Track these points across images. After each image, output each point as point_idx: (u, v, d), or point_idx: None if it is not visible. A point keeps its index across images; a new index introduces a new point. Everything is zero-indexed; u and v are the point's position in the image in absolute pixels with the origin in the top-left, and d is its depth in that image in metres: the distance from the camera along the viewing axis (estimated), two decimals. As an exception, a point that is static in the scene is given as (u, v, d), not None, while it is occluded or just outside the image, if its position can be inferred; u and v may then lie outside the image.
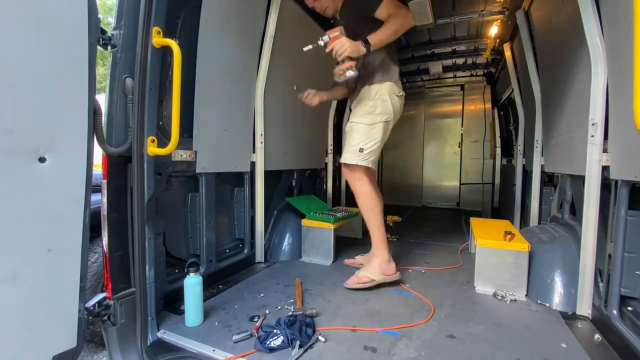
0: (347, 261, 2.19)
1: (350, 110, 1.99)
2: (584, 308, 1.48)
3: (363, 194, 1.82)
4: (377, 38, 1.65)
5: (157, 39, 1.30)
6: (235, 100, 1.95)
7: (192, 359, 1.23)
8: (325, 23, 2.37)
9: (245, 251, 2.14)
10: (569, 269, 1.59)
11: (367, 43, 1.63)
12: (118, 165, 1.28)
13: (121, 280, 1.29)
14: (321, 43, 1.64)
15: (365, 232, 2.00)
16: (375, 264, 1.80)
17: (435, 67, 4.34)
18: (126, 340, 1.28)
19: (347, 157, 1.80)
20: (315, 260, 2.29)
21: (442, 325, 1.42)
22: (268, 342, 1.23)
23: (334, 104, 3.34)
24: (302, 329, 1.29)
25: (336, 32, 1.63)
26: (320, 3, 1.87)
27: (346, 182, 3.80)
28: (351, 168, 1.82)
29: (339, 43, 1.59)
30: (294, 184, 2.78)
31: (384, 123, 1.79)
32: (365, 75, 1.82)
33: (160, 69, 1.40)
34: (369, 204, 1.83)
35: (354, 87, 1.91)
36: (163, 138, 1.41)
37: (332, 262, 2.25)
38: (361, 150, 1.77)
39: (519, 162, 3.14)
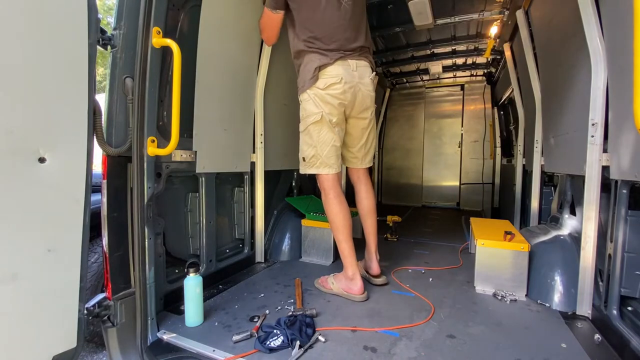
0: None
1: None
2: (584, 308, 1.48)
3: (324, 205, 1.78)
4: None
5: (157, 39, 1.30)
6: (235, 100, 1.95)
7: (192, 359, 1.23)
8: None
9: (245, 251, 2.14)
10: (569, 269, 1.59)
11: None
12: (118, 165, 1.28)
13: (121, 280, 1.29)
14: None
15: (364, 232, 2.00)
16: (341, 278, 1.74)
17: (435, 67, 4.34)
18: (126, 341, 1.28)
19: (299, 168, 1.81)
20: (315, 261, 2.29)
21: (442, 325, 1.42)
22: (268, 342, 1.23)
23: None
24: (302, 329, 1.29)
25: None
26: None
27: (346, 183, 3.80)
28: (316, 177, 1.79)
29: None
30: (294, 184, 2.78)
31: (313, 124, 1.68)
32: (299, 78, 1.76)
33: (160, 69, 1.40)
34: (329, 216, 1.76)
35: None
36: (163, 138, 1.41)
37: (332, 262, 2.25)
38: (303, 159, 1.76)
39: (519, 162, 3.14)
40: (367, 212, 1.92)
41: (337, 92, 1.65)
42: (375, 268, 1.87)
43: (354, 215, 2.74)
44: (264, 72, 2.15)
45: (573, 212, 1.88)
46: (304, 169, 1.78)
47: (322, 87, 1.64)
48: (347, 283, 1.70)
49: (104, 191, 1.24)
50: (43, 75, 0.93)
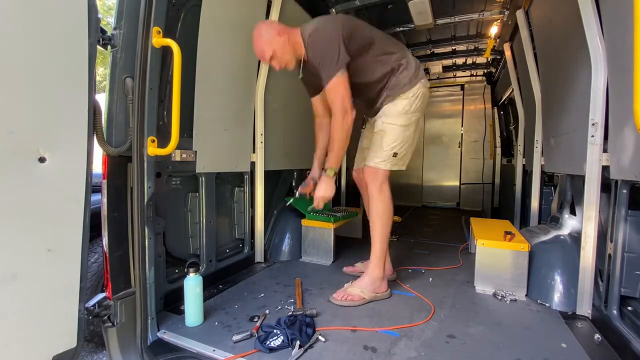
0: (346, 269, 2.07)
1: (365, 126, 1.97)
2: (584, 308, 1.48)
3: (383, 202, 1.69)
4: (334, 161, 1.65)
5: (157, 39, 1.30)
6: (235, 100, 1.95)
7: (192, 359, 1.23)
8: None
9: (245, 251, 2.14)
10: (569, 269, 1.59)
11: (334, 174, 1.68)
12: (118, 165, 1.28)
13: (121, 280, 1.29)
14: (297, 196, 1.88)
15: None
16: (368, 281, 1.67)
17: (435, 67, 4.34)
18: (126, 340, 1.28)
19: (378, 162, 1.67)
20: (315, 260, 2.29)
21: (442, 325, 1.42)
22: (268, 342, 1.23)
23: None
24: (302, 329, 1.29)
25: (308, 187, 1.85)
26: (278, 61, 1.58)
27: (347, 183, 3.80)
28: (377, 173, 1.68)
29: (321, 199, 1.71)
30: (294, 184, 2.78)
31: (416, 122, 1.70)
32: (390, 88, 1.68)
33: (160, 69, 1.40)
34: (386, 214, 1.69)
35: (373, 101, 1.76)
36: (163, 138, 1.41)
37: (332, 262, 2.25)
38: (395, 154, 1.65)
39: (519, 162, 3.14)
40: None
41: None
42: (389, 268, 1.89)
43: (354, 215, 2.74)
44: (264, 72, 2.15)
45: (573, 212, 1.88)
46: (390, 165, 1.68)
47: (427, 85, 1.70)
48: (379, 284, 1.67)
49: (104, 191, 1.24)
50: (43, 75, 0.93)
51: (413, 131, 1.70)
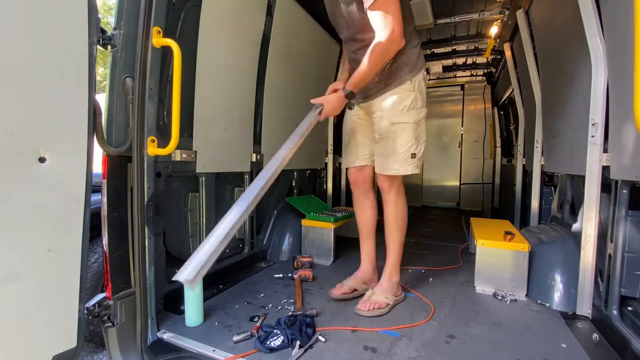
0: (335, 293, 1.68)
1: (350, 109, 1.72)
2: (584, 308, 1.48)
3: (402, 209, 1.62)
4: (354, 84, 1.41)
5: (157, 39, 1.30)
6: (235, 100, 1.95)
7: (192, 359, 1.23)
8: (325, 23, 2.36)
9: (245, 251, 2.14)
10: (569, 269, 1.59)
11: (347, 95, 1.45)
12: (118, 165, 1.28)
13: (121, 280, 1.29)
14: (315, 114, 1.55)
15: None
16: (389, 286, 1.61)
17: (435, 67, 4.34)
18: (126, 340, 1.28)
19: (398, 169, 1.52)
20: (315, 260, 2.28)
21: (442, 325, 1.42)
22: (268, 342, 1.23)
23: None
24: (302, 329, 1.30)
25: (319, 107, 1.52)
26: None
27: (346, 182, 3.80)
28: (392, 179, 1.57)
29: (324, 114, 1.51)
30: (294, 184, 2.78)
31: (424, 118, 1.55)
32: (393, 70, 1.49)
33: (160, 69, 1.40)
34: (404, 220, 1.63)
35: (375, 85, 1.54)
36: (163, 138, 1.41)
37: (332, 262, 2.25)
38: (413, 155, 1.50)
39: (519, 162, 3.14)
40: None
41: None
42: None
43: (351, 216, 2.74)
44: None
45: (573, 212, 1.88)
46: (412, 168, 1.53)
47: (427, 80, 1.56)
48: (397, 288, 1.66)
49: (104, 191, 1.24)
50: (43, 75, 0.93)
51: (424, 129, 1.57)
